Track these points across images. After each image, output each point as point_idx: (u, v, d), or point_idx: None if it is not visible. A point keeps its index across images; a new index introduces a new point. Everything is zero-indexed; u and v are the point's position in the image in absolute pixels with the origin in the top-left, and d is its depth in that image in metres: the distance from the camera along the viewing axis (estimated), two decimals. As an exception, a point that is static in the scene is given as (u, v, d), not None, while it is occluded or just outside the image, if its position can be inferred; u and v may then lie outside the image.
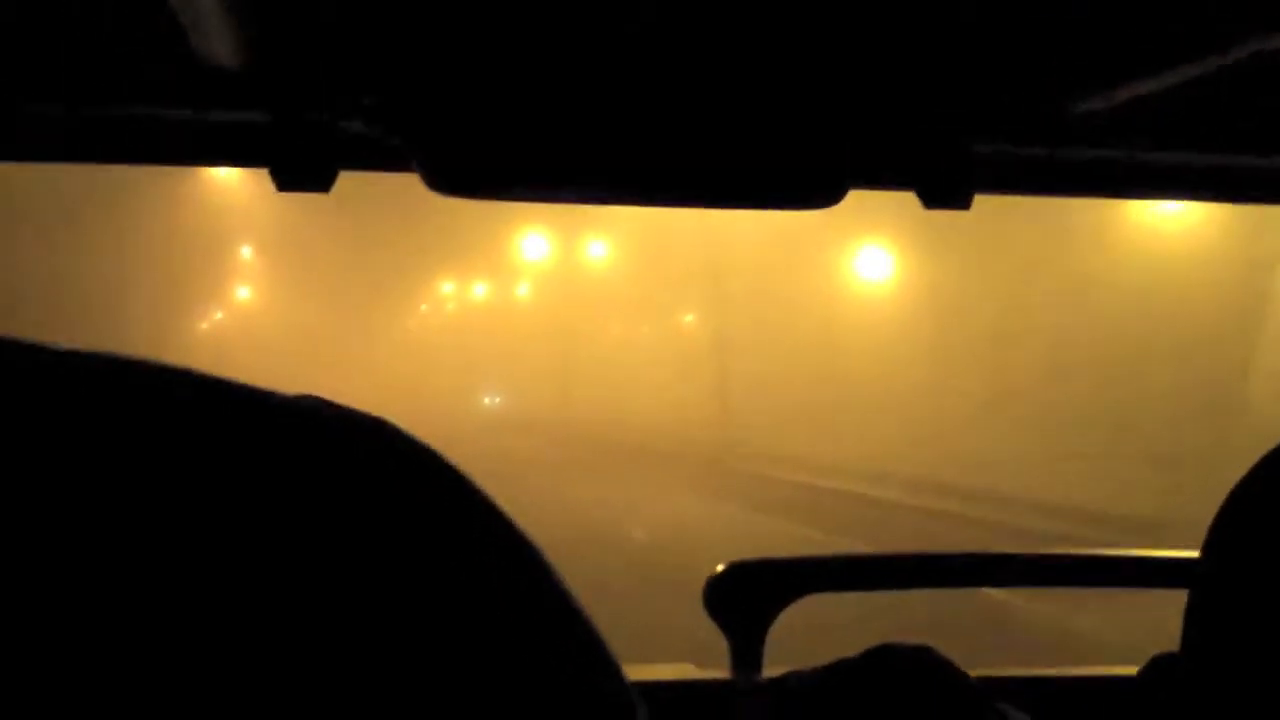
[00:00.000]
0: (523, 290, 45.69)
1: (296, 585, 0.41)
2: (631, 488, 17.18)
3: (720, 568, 1.34)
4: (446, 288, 51.11)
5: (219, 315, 46.05)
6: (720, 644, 1.33)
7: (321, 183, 1.21)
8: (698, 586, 1.33)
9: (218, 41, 1.08)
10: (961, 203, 1.30)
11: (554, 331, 37.58)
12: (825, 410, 20.06)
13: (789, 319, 22.98)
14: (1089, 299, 15.32)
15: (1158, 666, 1.36)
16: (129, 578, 0.39)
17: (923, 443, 16.72)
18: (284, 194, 1.26)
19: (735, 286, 24.79)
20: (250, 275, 45.04)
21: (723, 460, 20.90)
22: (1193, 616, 1.18)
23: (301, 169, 1.21)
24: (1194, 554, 1.22)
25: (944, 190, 1.30)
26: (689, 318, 30.88)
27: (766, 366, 22.95)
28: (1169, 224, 14.54)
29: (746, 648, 1.33)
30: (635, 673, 0.50)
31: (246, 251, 43.41)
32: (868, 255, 21.15)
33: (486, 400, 44.25)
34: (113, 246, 28.24)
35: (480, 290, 47.77)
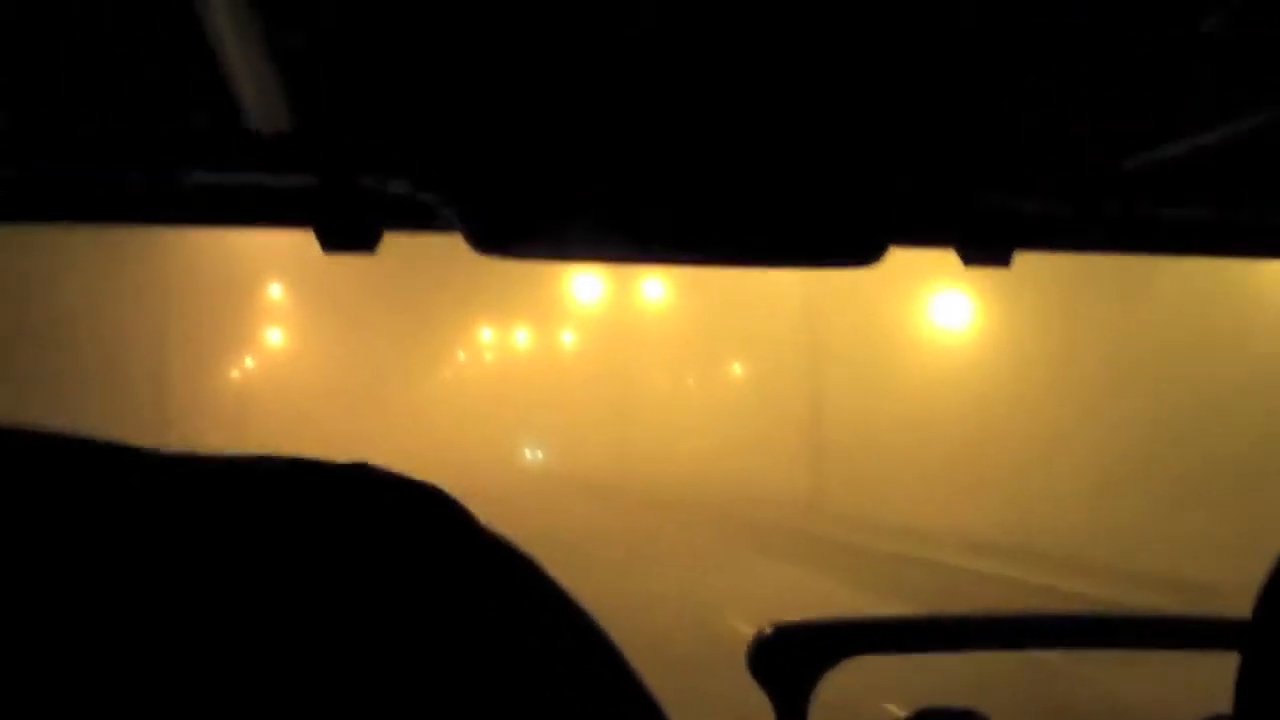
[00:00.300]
0: (571, 336, 46.26)
1: (352, 656, 0.44)
2: (723, 568, 15.75)
3: (765, 630, 1.44)
4: (487, 335, 51.81)
5: (249, 363, 46.84)
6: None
7: (366, 244, 1.33)
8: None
9: (268, 106, 1.19)
10: (1003, 260, 1.40)
11: (606, 379, 37.69)
12: (927, 470, 19.58)
13: (880, 369, 22.64)
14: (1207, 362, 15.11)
15: None
16: (204, 654, 0.42)
17: (1035, 511, 16.26)
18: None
19: (827, 329, 24.30)
20: (281, 320, 45.79)
21: (818, 529, 19.92)
22: (1244, 678, 1.27)
23: (347, 231, 1.32)
24: (1245, 616, 1.30)
25: (984, 248, 1.39)
26: (751, 365, 30.96)
27: (859, 421, 22.41)
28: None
29: (791, 711, 1.42)
30: None
31: (276, 292, 44.06)
32: (949, 302, 21.02)
33: (529, 454, 44.85)
34: (156, 293, 29.05)
35: (525, 336, 48.37)
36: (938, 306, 21.22)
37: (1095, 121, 1.32)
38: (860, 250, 1.35)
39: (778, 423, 26.17)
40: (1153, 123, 1.30)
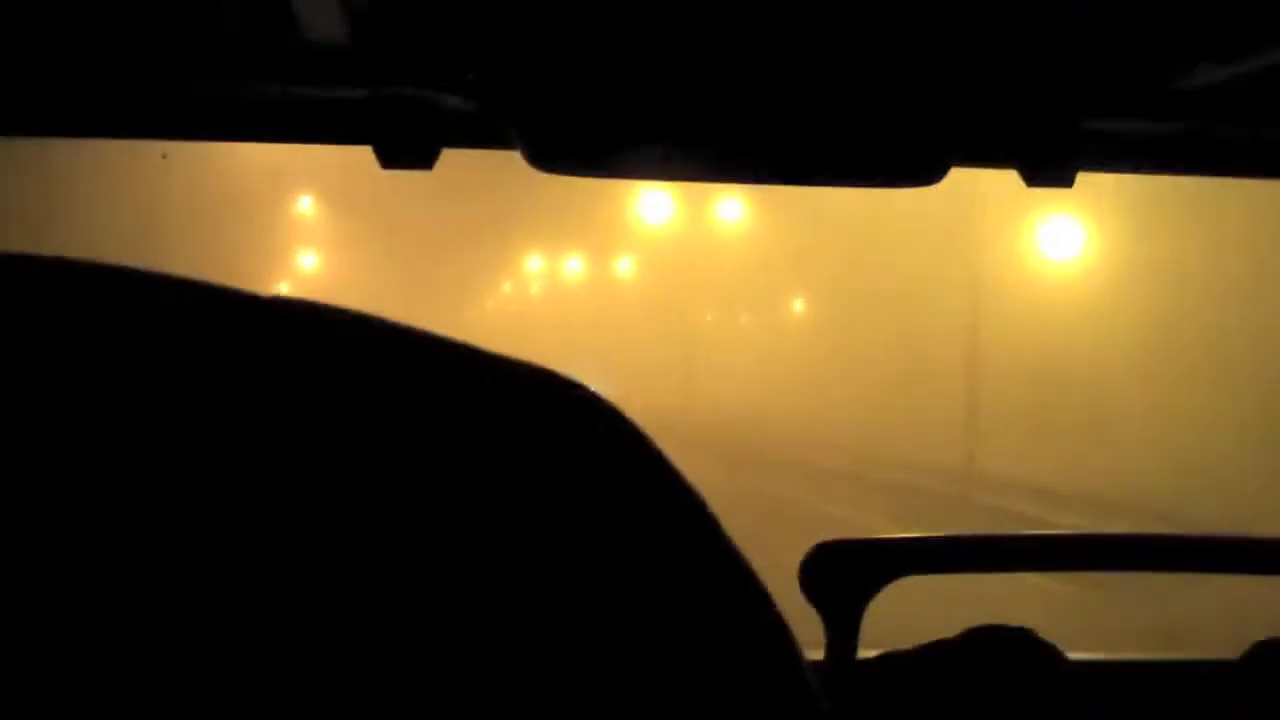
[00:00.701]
0: (630, 266, 45.66)
1: (499, 556, 0.47)
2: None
3: (813, 549, 1.56)
4: (535, 264, 51.10)
5: (282, 286, 47.10)
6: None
7: (424, 160, 1.44)
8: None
9: (322, 18, 1.30)
10: (1065, 180, 1.51)
11: (678, 313, 36.82)
12: (1076, 425, 18.59)
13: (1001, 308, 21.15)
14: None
15: (1260, 652, 1.57)
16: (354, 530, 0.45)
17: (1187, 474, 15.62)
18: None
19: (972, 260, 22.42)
20: (320, 242, 45.78)
21: (974, 494, 18.93)
22: None
23: (404, 146, 1.44)
24: None
25: (1046, 167, 1.51)
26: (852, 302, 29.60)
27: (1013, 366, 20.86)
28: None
29: (843, 629, 1.53)
30: None
31: (307, 206, 43.94)
32: (1061, 229, 20.27)
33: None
34: (178, 204, 29.38)
35: (582, 265, 47.62)
36: (1047, 235, 20.50)
37: (1157, 37, 1.41)
38: (921, 169, 1.46)
39: (924, 375, 24.59)
40: (1221, 38, 1.39)
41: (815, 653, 1.56)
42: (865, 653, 1.55)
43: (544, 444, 0.50)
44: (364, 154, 1.47)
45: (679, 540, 0.51)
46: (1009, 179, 1.52)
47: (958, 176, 1.50)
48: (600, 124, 1.44)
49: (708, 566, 0.51)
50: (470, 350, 0.51)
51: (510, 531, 0.47)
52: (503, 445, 0.49)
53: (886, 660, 1.58)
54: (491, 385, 0.51)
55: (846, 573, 1.54)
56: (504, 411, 0.50)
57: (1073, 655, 1.55)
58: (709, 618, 0.50)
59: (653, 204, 34.92)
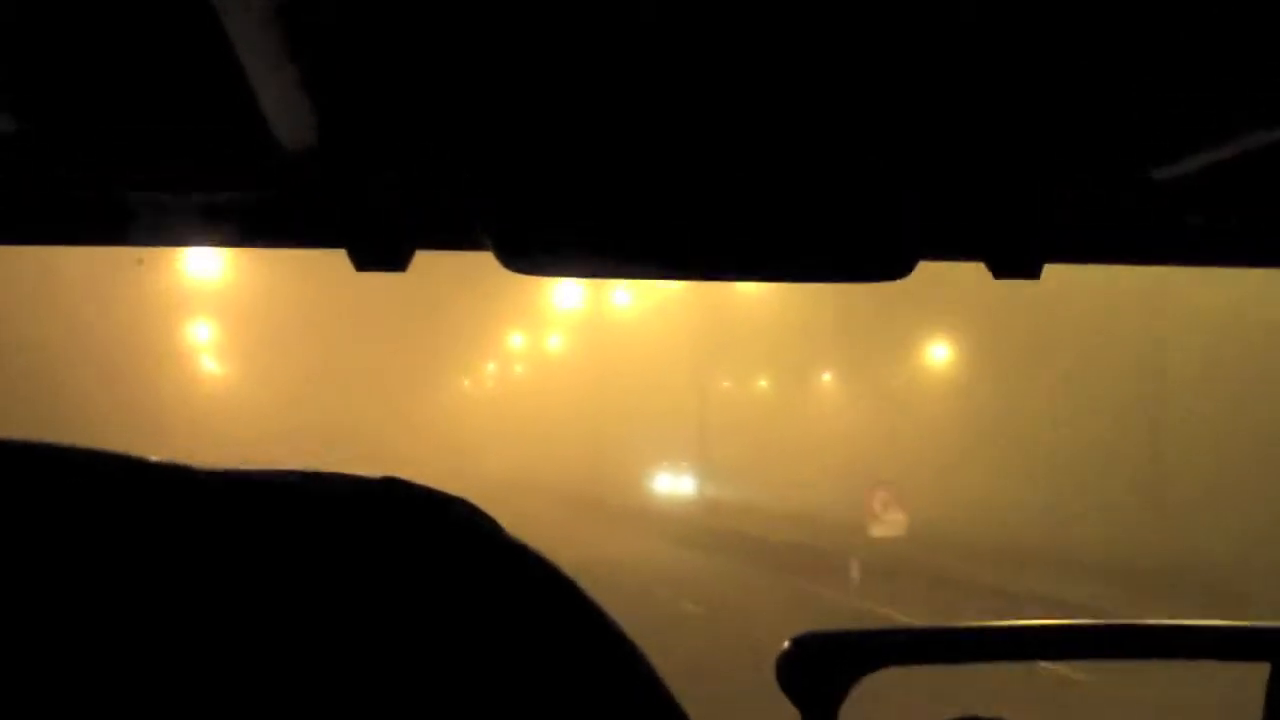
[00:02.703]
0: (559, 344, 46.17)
1: (380, 667, 0.48)
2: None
3: (791, 642, 1.54)
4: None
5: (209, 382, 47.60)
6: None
7: (398, 262, 1.44)
8: None
9: (297, 125, 1.30)
10: (1033, 272, 1.51)
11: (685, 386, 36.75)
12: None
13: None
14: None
15: None
16: (229, 664, 0.47)
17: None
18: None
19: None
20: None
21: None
22: (1276, 689, 1.38)
23: (378, 249, 1.43)
24: (1276, 624, 1.42)
25: (1014, 260, 1.50)
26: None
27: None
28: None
29: None
30: None
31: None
32: None
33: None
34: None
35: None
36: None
37: (1124, 131, 1.42)
38: (889, 264, 1.44)
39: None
40: (1181, 132, 1.39)
41: None
42: None
43: (390, 547, 0.52)
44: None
45: (544, 622, 0.52)
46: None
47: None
48: (569, 225, 1.43)
49: (577, 629, 0.53)
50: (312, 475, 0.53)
51: (366, 632, 0.49)
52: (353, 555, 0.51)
53: None
54: (340, 501, 0.53)
55: (824, 665, 1.52)
56: (354, 523, 0.52)
57: None
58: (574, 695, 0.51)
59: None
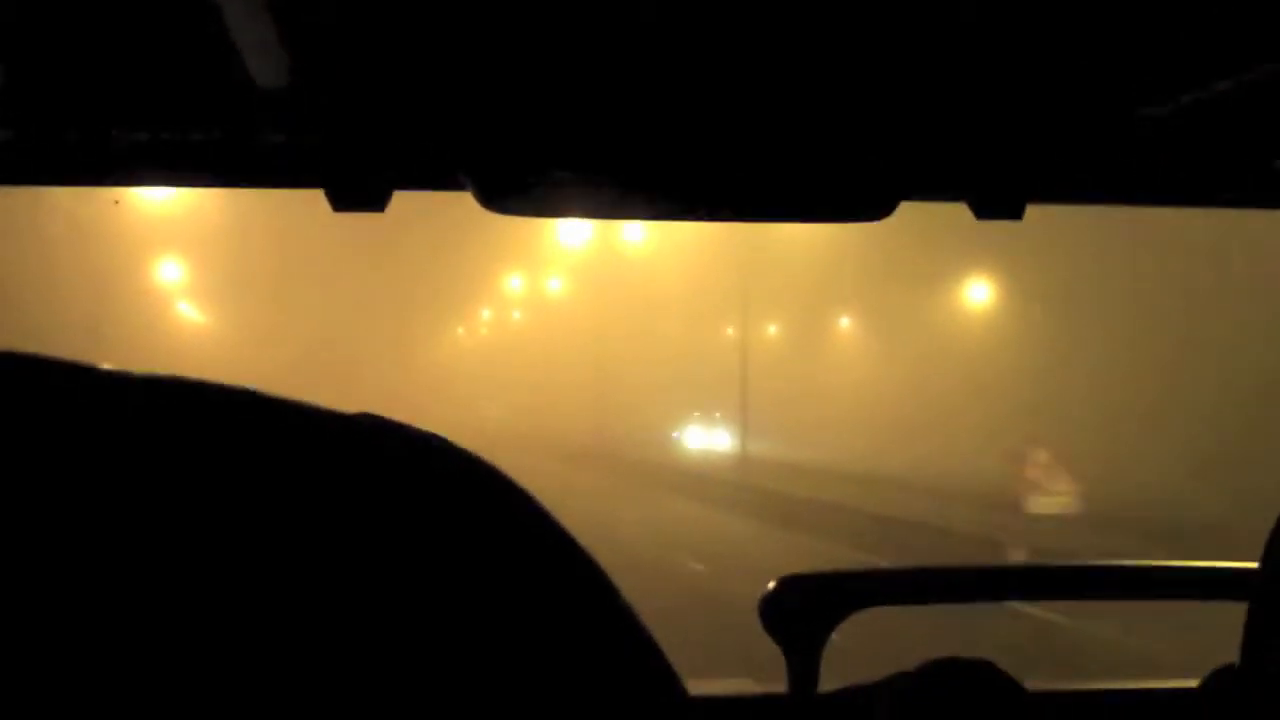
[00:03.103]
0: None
1: (353, 602, 0.48)
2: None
3: (775, 583, 1.55)
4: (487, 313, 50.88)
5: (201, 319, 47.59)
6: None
7: (377, 202, 1.43)
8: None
9: (272, 64, 1.28)
10: (1015, 212, 1.51)
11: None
12: None
13: None
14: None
15: (1219, 679, 1.56)
16: (193, 596, 0.46)
17: None
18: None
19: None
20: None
21: None
22: (1253, 628, 1.39)
23: (357, 190, 1.43)
24: (1253, 565, 1.42)
25: (996, 200, 1.50)
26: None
27: None
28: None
29: (803, 663, 1.52)
30: (693, 688, 0.60)
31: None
32: None
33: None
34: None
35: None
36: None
37: (1106, 70, 1.40)
38: (871, 204, 1.45)
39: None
40: (1165, 70, 1.38)
41: (777, 686, 1.55)
42: (826, 686, 1.54)
43: (380, 487, 0.51)
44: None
45: (525, 551, 0.52)
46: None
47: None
48: (551, 164, 1.43)
49: (555, 572, 0.52)
50: (305, 407, 0.53)
51: (355, 576, 0.49)
52: (340, 495, 0.50)
53: (846, 694, 1.56)
54: (327, 438, 0.52)
55: (807, 606, 1.53)
56: (342, 462, 0.51)
57: (1032, 686, 1.53)
58: (562, 643, 0.51)
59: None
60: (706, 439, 36.76)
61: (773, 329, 37.29)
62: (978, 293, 28.27)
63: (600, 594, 0.53)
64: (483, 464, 0.53)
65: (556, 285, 49.90)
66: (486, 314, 57.90)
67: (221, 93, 1.37)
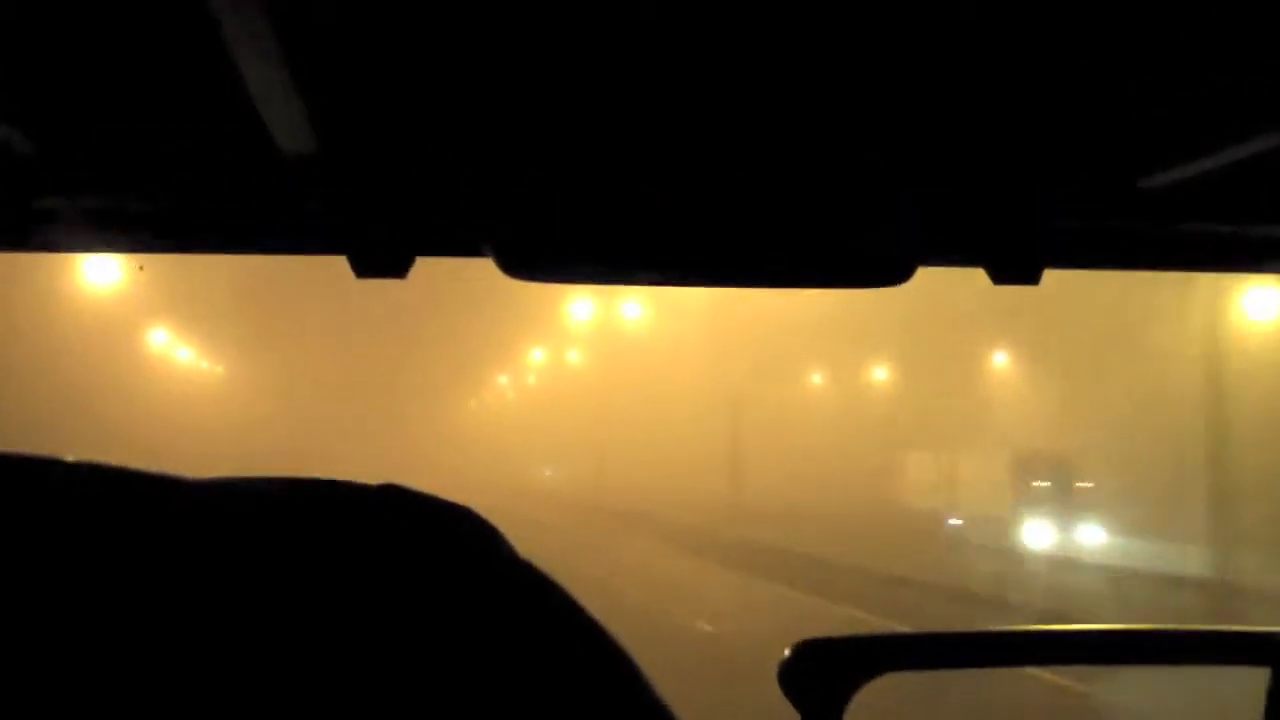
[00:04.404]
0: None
1: (379, 672, 0.48)
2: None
3: (794, 647, 1.53)
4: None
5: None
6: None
7: (398, 269, 1.44)
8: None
9: (296, 132, 1.30)
10: (1032, 278, 1.51)
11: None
12: None
13: None
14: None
15: None
16: (237, 672, 0.47)
17: None
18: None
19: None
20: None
21: None
22: (1275, 693, 1.38)
23: (379, 256, 1.43)
24: (1275, 629, 1.41)
25: (1014, 266, 1.50)
26: None
27: None
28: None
29: None
30: None
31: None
32: None
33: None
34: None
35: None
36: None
37: (1119, 138, 1.42)
38: (889, 270, 1.45)
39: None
40: (1178, 139, 1.39)
41: None
42: None
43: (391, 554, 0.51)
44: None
45: (549, 629, 0.52)
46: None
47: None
48: (568, 232, 1.43)
49: (580, 652, 0.52)
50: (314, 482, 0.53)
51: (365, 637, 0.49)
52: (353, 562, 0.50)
53: None
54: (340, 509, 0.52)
55: (827, 671, 1.51)
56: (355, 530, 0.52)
57: None
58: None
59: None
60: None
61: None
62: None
63: (627, 680, 0.53)
64: (506, 542, 0.53)
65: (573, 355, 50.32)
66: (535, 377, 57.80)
67: (247, 160, 1.38)
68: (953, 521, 27.28)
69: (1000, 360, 31.43)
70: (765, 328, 32.41)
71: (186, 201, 1.49)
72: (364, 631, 0.48)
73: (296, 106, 1.25)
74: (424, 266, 1.49)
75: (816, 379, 39.22)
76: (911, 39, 1.23)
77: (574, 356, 49.39)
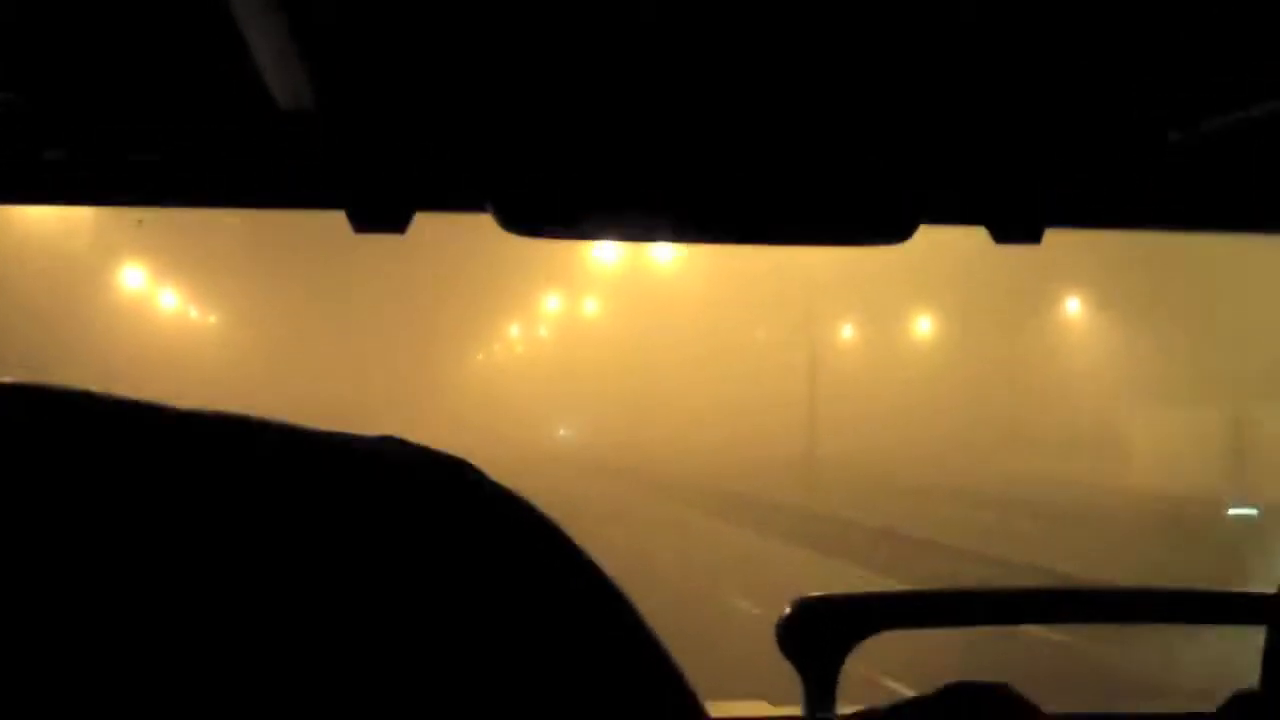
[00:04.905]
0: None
1: (377, 626, 0.48)
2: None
3: (792, 606, 1.55)
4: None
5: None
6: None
7: (397, 224, 1.43)
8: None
9: (294, 85, 1.29)
10: (1034, 236, 1.50)
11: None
12: None
13: None
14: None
15: (1237, 705, 1.55)
16: (229, 623, 0.47)
17: None
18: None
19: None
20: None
21: None
22: (1271, 653, 1.38)
23: (378, 211, 1.43)
24: (1271, 590, 1.41)
25: (1015, 224, 1.50)
26: None
27: None
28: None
29: (820, 686, 1.51)
30: (711, 710, 0.60)
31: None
32: None
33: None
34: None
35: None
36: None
37: (1128, 95, 1.41)
38: (890, 228, 1.45)
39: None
40: (1183, 96, 1.38)
41: (793, 709, 1.54)
42: (844, 709, 1.53)
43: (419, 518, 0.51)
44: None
45: (549, 576, 0.52)
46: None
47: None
48: (570, 186, 1.43)
49: (580, 597, 0.52)
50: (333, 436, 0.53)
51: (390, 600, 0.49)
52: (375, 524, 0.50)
53: (863, 717, 1.55)
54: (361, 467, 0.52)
55: (824, 629, 1.52)
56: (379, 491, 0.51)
57: (1051, 709, 1.52)
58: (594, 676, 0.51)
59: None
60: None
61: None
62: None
63: (620, 618, 0.52)
64: (505, 490, 0.53)
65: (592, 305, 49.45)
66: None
67: (243, 114, 1.38)
68: (1240, 511, 18.52)
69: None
70: (869, 263, 27.96)
71: (186, 156, 1.48)
72: (361, 582, 0.48)
73: (295, 60, 1.24)
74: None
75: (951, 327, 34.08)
76: None
77: (605, 303, 48.06)
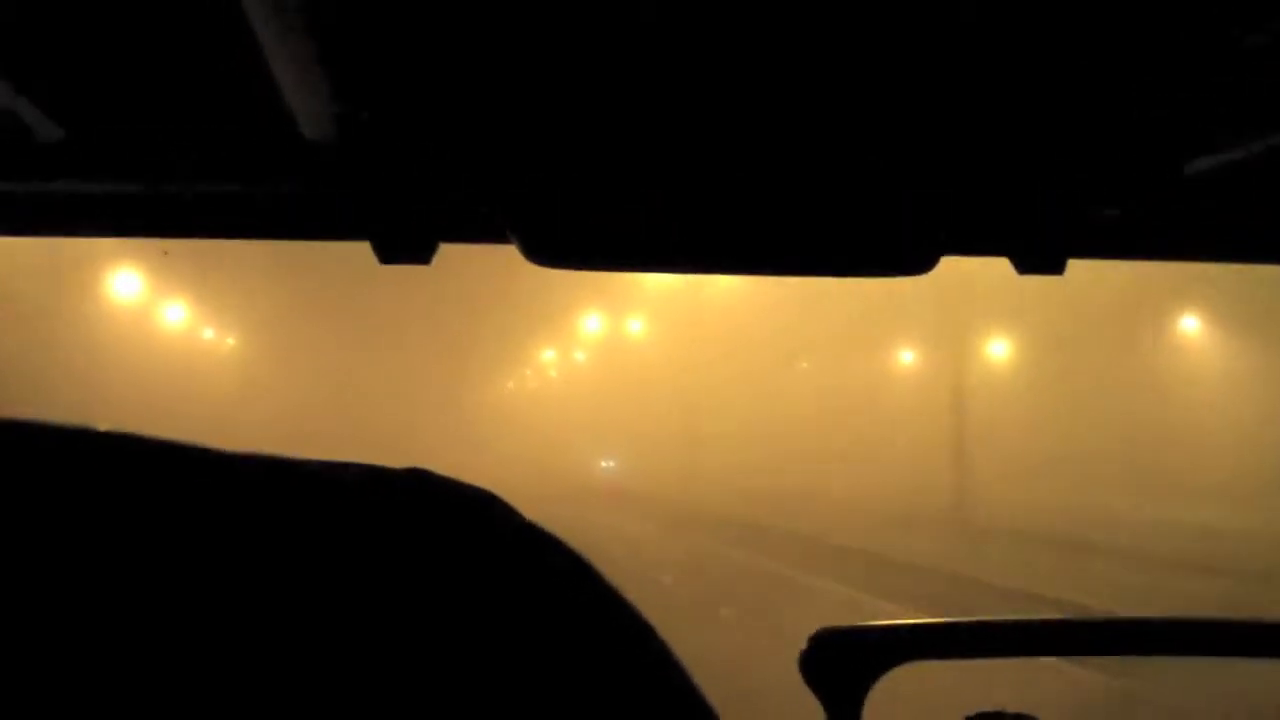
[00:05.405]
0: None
1: (406, 661, 0.48)
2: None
3: (813, 637, 1.53)
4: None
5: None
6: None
7: (422, 255, 1.44)
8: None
9: (321, 117, 1.30)
10: (1057, 268, 1.50)
11: None
12: None
13: None
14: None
15: None
16: (263, 653, 0.47)
17: None
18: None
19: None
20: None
21: None
22: None
23: (403, 242, 1.44)
24: None
25: (1038, 255, 1.49)
26: None
27: None
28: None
29: (844, 717, 1.52)
30: None
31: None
32: None
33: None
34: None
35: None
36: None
37: (1146, 127, 1.40)
38: (912, 260, 1.45)
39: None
40: (1205, 127, 1.38)
41: None
42: None
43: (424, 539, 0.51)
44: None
45: (579, 612, 0.51)
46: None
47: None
48: (594, 218, 1.43)
49: (609, 632, 0.52)
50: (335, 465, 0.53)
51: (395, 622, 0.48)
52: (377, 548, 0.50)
53: None
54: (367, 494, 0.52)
55: (848, 660, 1.51)
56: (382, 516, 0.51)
57: None
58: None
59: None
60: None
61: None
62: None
63: (650, 654, 0.52)
64: (533, 524, 0.53)
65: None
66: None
67: (270, 146, 1.38)
68: None
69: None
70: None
71: (210, 187, 1.49)
72: (387, 614, 0.48)
73: (321, 92, 1.25)
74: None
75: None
76: (936, 23, 1.22)
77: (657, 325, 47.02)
